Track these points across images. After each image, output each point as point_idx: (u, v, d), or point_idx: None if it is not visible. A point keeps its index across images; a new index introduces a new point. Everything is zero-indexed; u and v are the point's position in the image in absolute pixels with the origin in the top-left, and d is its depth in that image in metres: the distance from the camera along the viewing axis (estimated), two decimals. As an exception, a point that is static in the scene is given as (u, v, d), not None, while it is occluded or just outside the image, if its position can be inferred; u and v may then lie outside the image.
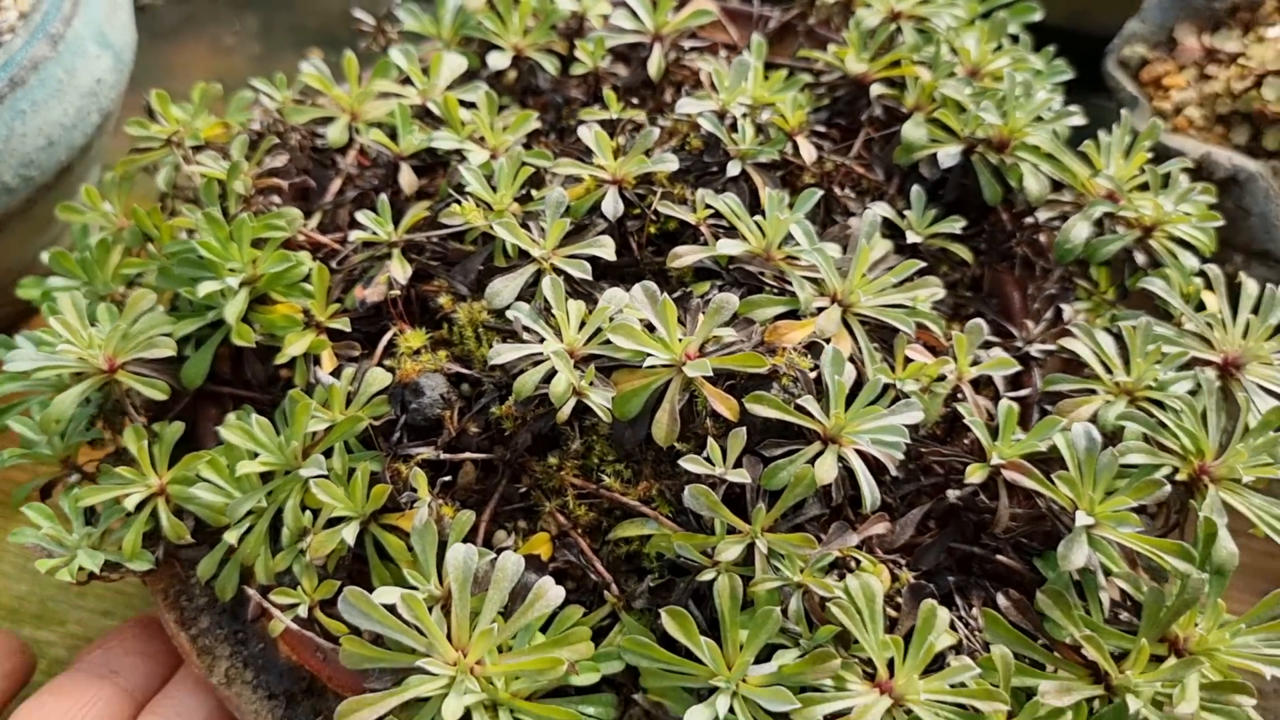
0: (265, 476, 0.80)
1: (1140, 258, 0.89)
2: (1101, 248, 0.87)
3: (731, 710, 0.67)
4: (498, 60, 0.98)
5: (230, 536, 0.78)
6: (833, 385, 0.73)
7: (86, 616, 1.14)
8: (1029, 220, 0.89)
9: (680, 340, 0.76)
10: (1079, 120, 0.93)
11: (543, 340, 0.77)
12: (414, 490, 0.75)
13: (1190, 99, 1.16)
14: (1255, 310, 0.85)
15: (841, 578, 0.70)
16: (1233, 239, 1.11)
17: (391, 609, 0.69)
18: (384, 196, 0.88)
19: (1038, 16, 1.03)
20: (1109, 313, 0.88)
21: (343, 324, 0.84)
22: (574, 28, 1.02)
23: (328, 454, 0.79)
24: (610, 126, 0.92)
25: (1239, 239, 1.10)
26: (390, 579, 0.76)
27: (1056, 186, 0.92)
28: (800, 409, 0.73)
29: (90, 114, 1.14)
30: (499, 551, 0.71)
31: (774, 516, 0.72)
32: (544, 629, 0.72)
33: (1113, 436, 0.78)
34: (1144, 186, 0.90)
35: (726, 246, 0.82)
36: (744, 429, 0.72)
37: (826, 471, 0.71)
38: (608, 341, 0.76)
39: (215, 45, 1.59)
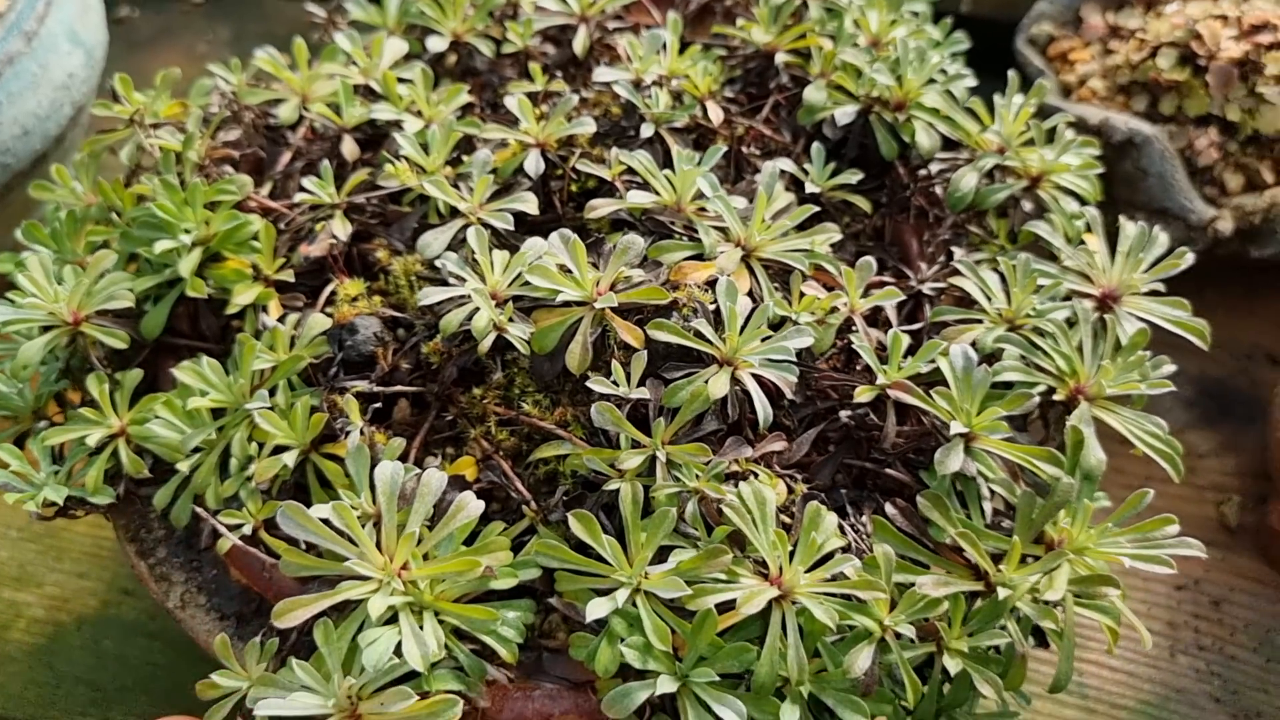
0: (217, 414, 0.87)
1: (1028, 205, 0.96)
2: (990, 195, 0.94)
3: (633, 604, 0.73)
4: (436, 44, 1.06)
5: (183, 467, 0.85)
6: (726, 313, 0.80)
7: (63, 579, 1.21)
8: (923, 173, 0.97)
9: (593, 279, 0.83)
10: (971, 82, 1.01)
11: (466, 283, 0.84)
12: (347, 417, 0.82)
13: (1094, 71, 1.23)
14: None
15: (738, 486, 0.77)
16: (1134, 198, 1.18)
17: (326, 522, 0.75)
18: (327, 163, 0.96)
19: (941, -7, 1.10)
20: (1000, 256, 0.95)
21: (287, 276, 0.92)
22: (509, 13, 1.10)
23: (273, 391, 0.86)
24: (536, 97, 1.00)
25: (1139, 198, 1.17)
26: (328, 501, 0.83)
27: (953, 145, 0.99)
28: (698, 334, 0.80)
29: (63, 106, 1.22)
30: (423, 470, 0.78)
31: (673, 430, 0.79)
32: (469, 543, 0.79)
33: (992, 359, 0.85)
34: (1032, 142, 0.98)
35: (637, 197, 0.89)
36: (646, 354, 0.80)
37: (719, 387, 0.77)
38: (527, 283, 0.84)
39: (189, 54, 1.67)
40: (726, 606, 0.72)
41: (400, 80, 1.02)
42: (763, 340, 0.80)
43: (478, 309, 0.82)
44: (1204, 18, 1.19)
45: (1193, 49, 1.17)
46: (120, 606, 1.18)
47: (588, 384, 0.79)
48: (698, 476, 0.77)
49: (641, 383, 0.80)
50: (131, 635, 1.16)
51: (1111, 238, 0.92)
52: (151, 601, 1.19)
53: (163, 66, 1.67)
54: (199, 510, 0.83)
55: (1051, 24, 1.30)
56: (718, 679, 0.71)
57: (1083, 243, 0.93)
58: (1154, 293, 0.90)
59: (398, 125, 0.98)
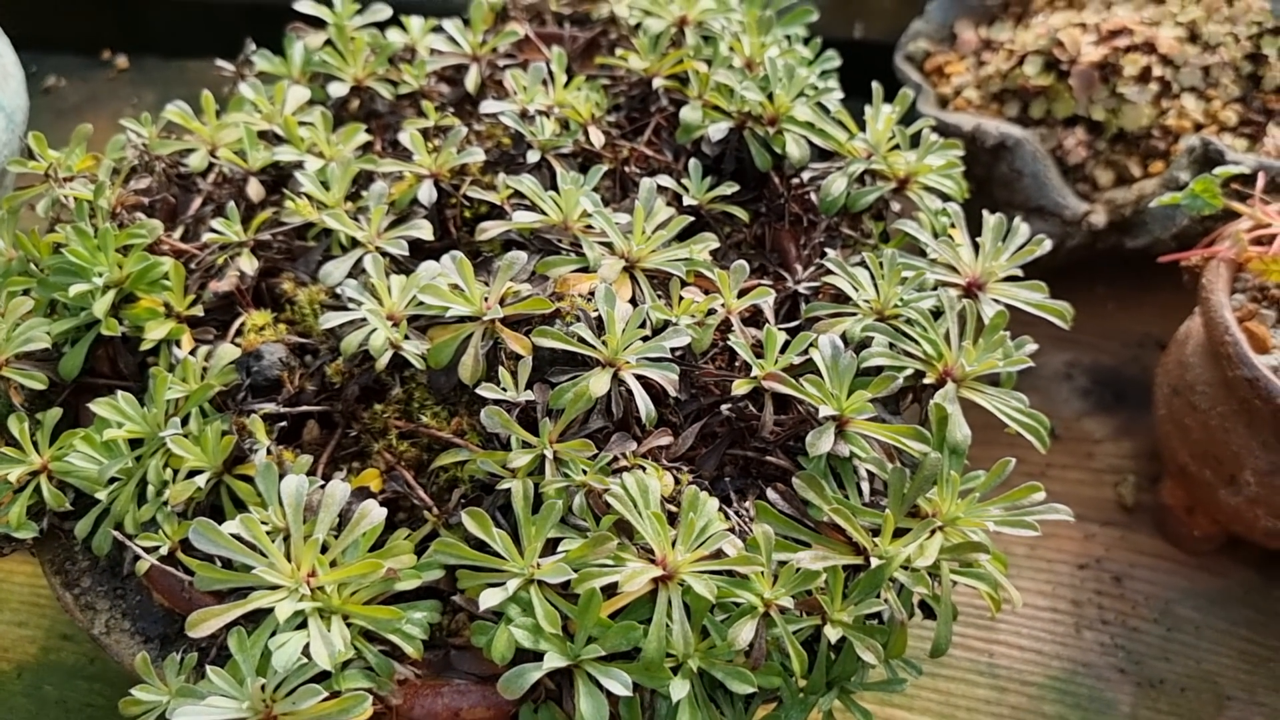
0: (134, 445, 0.91)
1: (897, 206, 1.02)
2: (860, 198, 1.00)
3: (526, 591, 0.78)
4: (337, 89, 1.12)
5: (102, 496, 0.88)
6: (606, 317, 0.85)
7: (2, 628, 1.23)
8: (796, 181, 1.03)
9: (482, 294, 0.88)
10: (839, 94, 1.07)
11: (365, 305, 0.89)
12: (255, 438, 0.86)
13: (968, 81, 1.30)
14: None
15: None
16: (1012, 199, 1.25)
17: (236, 536, 0.79)
18: (233, 204, 1.01)
19: (814, 17, 1.17)
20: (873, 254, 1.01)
21: (198, 312, 0.96)
22: (407, 57, 1.16)
23: (186, 420, 0.90)
24: (429, 132, 1.06)
25: (1017, 199, 1.24)
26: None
27: (826, 155, 1.06)
28: (580, 339, 0.85)
29: (-15, 169, 1.26)
30: (327, 482, 0.83)
31: (560, 429, 0.83)
32: (376, 549, 0.83)
33: (863, 347, 0.90)
34: (898, 147, 1.04)
35: (523, 217, 0.94)
36: (531, 361, 0.85)
37: (599, 386, 0.82)
38: (421, 303, 0.88)
39: (115, 119, 1.71)
40: (610, 586, 0.76)
41: (302, 124, 1.07)
42: (643, 341, 0.86)
43: (374, 329, 0.87)
44: (1065, 26, 1.27)
45: (1056, 55, 1.24)
46: (60, 652, 1.21)
47: (479, 390, 0.84)
48: (584, 471, 0.81)
49: (529, 387, 0.85)
50: (71, 679, 1.18)
51: (979, 231, 0.99)
52: (90, 644, 1.22)
53: (91, 133, 1.71)
54: (117, 535, 0.87)
55: (927, 41, 1.37)
56: (606, 655, 0.75)
57: (949, 237, 0.99)
58: (1013, 278, 0.96)
59: (300, 165, 1.03)
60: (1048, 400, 1.31)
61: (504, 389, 0.84)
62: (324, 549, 0.80)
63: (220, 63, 1.22)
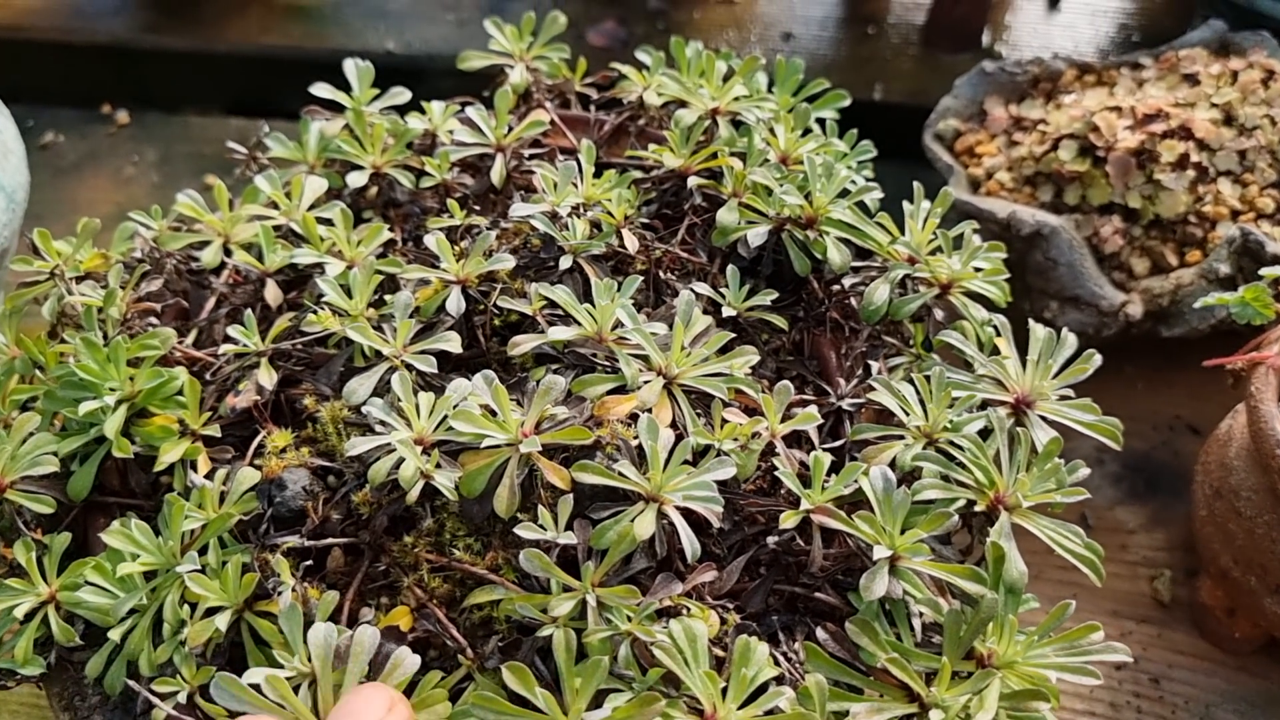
0: (149, 576, 0.87)
1: (939, 313, 0.99)
2: (903, 306, 0.97)
3: (572, 753, 0.74)
4: (356, 179, 1.08)
5: (114, 634, 0.84)
6: (649, 450, 0.82)
7: (3, 732, 1.19)
8: (837, 287, 0.99)
9: (517, 420, 0.84)
10: (878, 194, 1.04)
11: (392, 430, 0.85)
12: (276, 575, 0.82)
13: (1000, 164, 1.27)
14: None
15: (669, 624, 0.78)
16: (1046, 288, 1.22)
17: (258, 688, 0.75)
18: (249, 311, 0.96)
19: (847, 102, 1.13)
20: (918, 365, 0.98)
21: (214, 430, 0.92)
22: (427, 145, 1.12)
23: (204, 550, 0.86)
24: (455, 232, 1.02)
25: (1052, 287, 1.21)
26: (265, 661, 0.83)
27: (865, 254, 1.02)
28: (621, 474, 0.81)
29: (-15, 254, 1.22)
30: (358, 627, 0.78)
31: (602, 573, 0.79)
32: (408, 694, 0.79)
33: (913, 476, 0.87)
34: (940, 250, 1.01)
35: (557, 333, 0.90)
36: (571, 496, 0.81)
37: (645, 527, 0.79)
38: (451, 428, 0.85)
39: (116, 177, 1.67)
40: (664, 752, 0.73)
41: (320, 220, 1.03)
42: (687, 475, 0.82)
43: (404, 459, 0.83)
44: (1100, 109, 1.24)
45: (1091, 140, 1.21)
46: (62, 756, 1.16)
47: (516, 530, 0.80)
48: (629, 618, 0.78)
49: (570, 524, 0.81)
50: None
51: (1024, 337, 0.95)
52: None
53: (89, 192, 1.67)
54: (130, 683, 0.82)
55: (957, 119, 1.34)
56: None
57: (995, 350, 0.96)
58: (1064, 397, 0.93)
59: (319, 268, 0.99)
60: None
61: (543, 528, 0.80)
62: (354, 700, 0.76)
63: (232, 144, 1.18)
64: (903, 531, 0.82)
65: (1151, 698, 1.14)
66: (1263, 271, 1.05)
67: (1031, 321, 0.96)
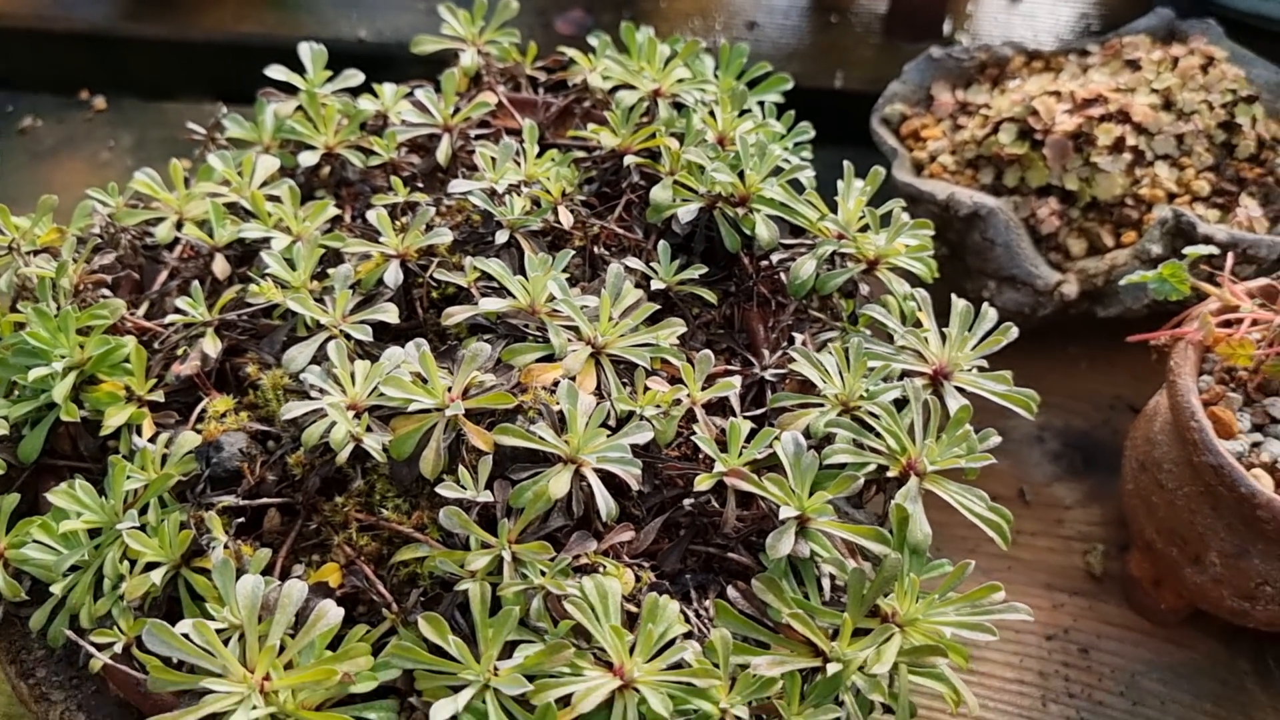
0: (93, 534, 0.90)
1: (865, 288, 1.02)
2: (829, 281, 1.00)
3: (482, 700, 0.77)
4: (308, 158, 1.11)
5: (57, 589, 0.88)
6: (568, 414, 0.85)
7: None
8: (766, 263, 1.02)
9: (445, 386, 0.88)
10: (810, 172, 1.07)
11: (326, 395, 0.88)
12: (209, 531, 0.86)
13: (944, 147, 1.30)
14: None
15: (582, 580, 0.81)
16: (984, 267, 1.24)
17: (189, 637, 0.79)
18: (196, 283, 1.00)
19: (788, 86, 1.16)
20: (844, 338, 1.01)
21: (159, 396, 0.95)
22: (379, 126, 1.15)
23: (144, 510, 0.90)
24: (396, 209, 1.05)
25: (989, 267, 1.24)
26: (199, 614, 0.86)
27: (799, 232, 1.05)
28: (540, 436, 0.84)
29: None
30: (285, 582, 0.82)
31: (519, 530, 0.83)
32: (333, 647, 0.82)
33: (829, 441, 0.90)
34: (868, 228, 1.04)
35: (489, 304, 0.94)
36: (493, 458, 0.84)
37: (559, 486, 0.82)
38: (383, 394, 0.88)
39: (92, 161, 1.71)
40: (566, 696, 0.76)
41: (270, 198, 1.07)
42: (606, 436, 0.85)
43: (335, 422, 0.86)
44: (1040, 94, 1.27)
45: (1030, 124, 1.24)
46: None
47: (438, 489, 0.84)
48: (543, 573, 0.81)
49: (490, 484, 0.85)
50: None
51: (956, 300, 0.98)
52: None
53: (66, 175, 1.70)
54: (68, 633, 0.86)
55: (904, 103, 1.37)
56: (563, 766, 0.75)
57: (918, 322, 0.99)
58: (983, 369, 0.96)
59: (266, 242, 1.03)
60: (1019, 464, 1.31)
61: (464, 487, 0.84)
62: (280, 649, 0.79)
63: (191, 124, 1.21)
64: (812, 494, 0.85)
65: (1080, 667, 1.17)
66: (1185, 250, 1.08)
67: (954, 296, 0.99)
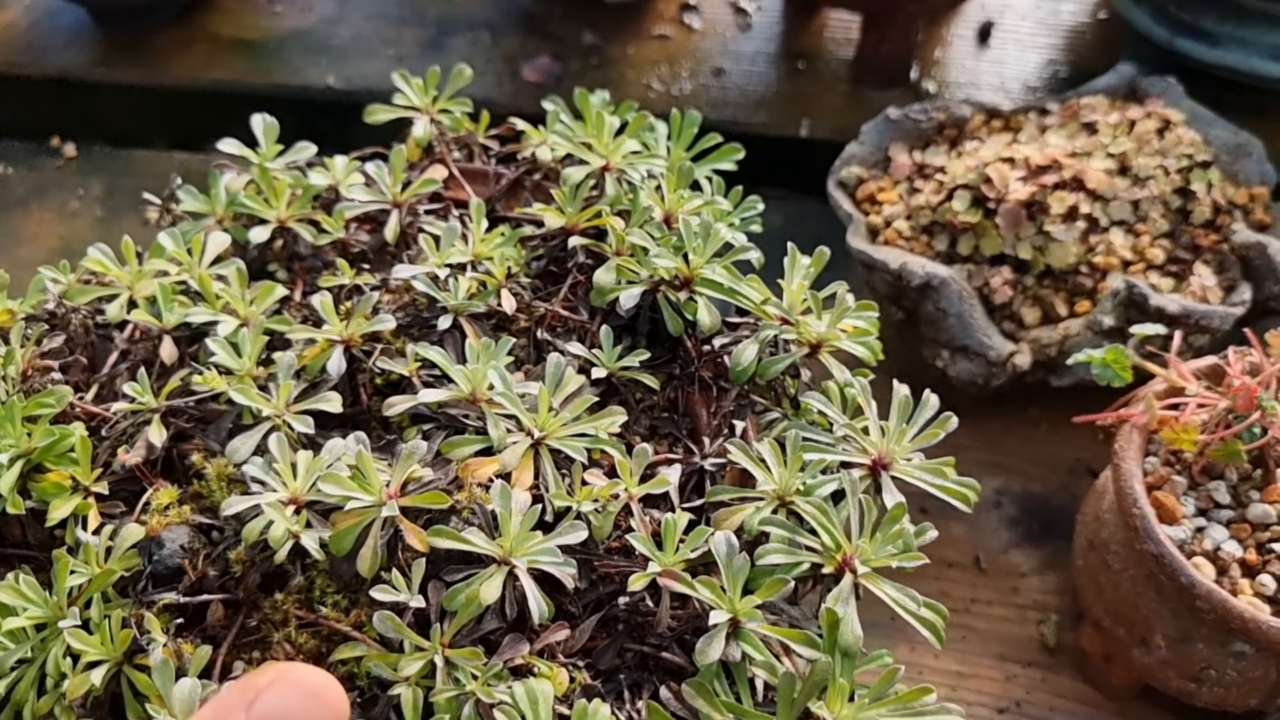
0: (40, 628, 0.91)
1: (806, 373, 1.02)
2: (771, 367, 1.01)
3: (410, 810, 0.78)
4: (259, 234, 1.12)
5: (1, 686, 0.88)
6: (500, 515, 0.86)
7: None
8: (708, 347, 1.03)
9: (383, 482, 0.88)
10: (755, 255, 1.07)
11: (266, 490, 0.89)
12: (148, 632, 0.87)
13: (899, 212, 1.31)
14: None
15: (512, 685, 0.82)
16: (938, 337, 1.25)
17: (122, 746, 0.80)
18: (143, 369, 1.01)
19: (740, 155, 1.17)
20: (786, 424, 1.01)
21: (103, 487, 0.96)
22: (331, 198, 1.16)
23: (88, 604, 0.90)
24: (343, 291, 1.06)
25: (943, 337, 1.24)
26: (141, 714, 0.87)
27: (744, 313, 1.06)
28: (471, 540, 0.85)
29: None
30: (226, 682, 0.83)
31: (452, 633, 0.84)
32: (269, 748, 0.83)
33: (764, 538, 0.90)
34: (810, 311, 1.04)
35: (429, 394, 0.94)
36: (424, 559, 0.85)
37: (491, 591, 0.83)
38: (320, 490, 0.89)
39: (62, 211, 1.72)
40: (496, 810, 0.77)
41: (218, 278, 1.07)
42: (538, 540, 0.86)
43: (272, 520, 0.87)
44: (994, 159, 1.27)
45: (984, 191, 1.24)
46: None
47: (372, 592, 0.84)
48: (474, 678, 0.82)
49: (425, 585, 0.85)
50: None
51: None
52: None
53: (35, 225, 1.71)
54: (8, 734, 0.87)
55: (861, 165, 1.37)
56: None
57: (860, 409, 0.99)
58: (921, 458, 0.96)
59: (214, 325, 1.03)
60: (976, 530, 1.32)
61: (398, 590, 0.84)
62: (215, 754, 0.80)
63: (146, 196, 1.22)
64: (744, 595, 0.86)
65: (1031, 739, 1.18)
66: (1133, 329, 1.08)
67: (895, 382, 1.00)
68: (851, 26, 1.77)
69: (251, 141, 1.19)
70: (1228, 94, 1.55)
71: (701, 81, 1.74)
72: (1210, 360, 1.09)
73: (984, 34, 1.76)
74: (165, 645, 0.87)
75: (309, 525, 0.89)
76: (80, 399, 1.02)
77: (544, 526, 0.88)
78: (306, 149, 1.18)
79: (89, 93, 1.87)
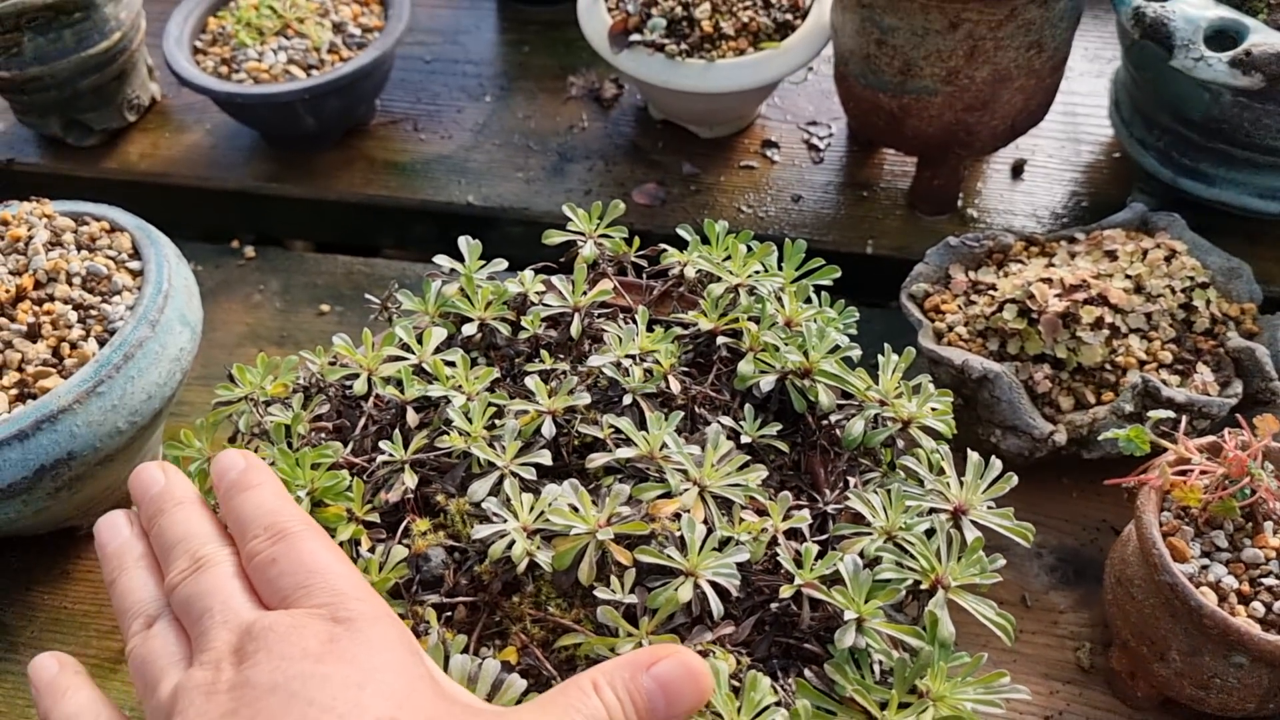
0: (326, 623, 1.21)
1: (901, 442, 1.34)
2: (874, 437, 1.32)
3: (630, 745, 1.07)
4: (468, 329, 1.44)
5: (306, 663, 1.18)
6: (688, 539, 1.17)
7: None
8: (825, 422, 1.34)
9: (594, 516, 1.19)
10: (857, 350, 1.39)
11: (505, 521, 1.20)
12: (427, 622, 1.17)
13: (959, 320, 1.63)
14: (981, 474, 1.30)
15: (700, 662, 1.12)
16: (992, 419, 1.56)
17: (416, 699, 1.09)
18: (397, 430, 1.32)
19: (837, 275, 1.49)
20: (885, 481, 1.32)
21: (374, 518, 1.27)
22: (520, 302, 1.49)
23: (368, 605, 1.21)
24: (546, 374, 1.38)
25: (996, 418, 1.56)
26: (412, 685, 1.17)
27: (848, 396, 1.38)
28: (669, 555, 1.16)
29: (176, 374, 1.59)
30: (483, 659, 1.13)
31: (654, 624, 1.14)
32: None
33: (877, 561, 1.21)
34: (902, 395, 1.36)
35: (622, 452, 1.26)
36: (633, 570, 1.16)
37: (685, 593, 1.13)
38: (548, 520, 1.20)
39: (246, 302, 2.05)
40: (696, 748, 1.06)
41: (446, 362, 1.40)
42: (715, 557, 1.17)
43: (514, 541, 1.18)
44: (1036, 279, 1.60)
45: (1028, 305, 1.57)
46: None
47: (595, 592, 1.15)
48: (673, 657, 1.12)
49: (632, 590, 1.16)
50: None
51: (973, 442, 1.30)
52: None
53: (224, 314, 2.05)
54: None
55: (926, 282, 1.71)
56: (692, 797, 1.05)
57: (943, 470, 1.31)
58: (992, 507, 1.27)
59: (446, 399, 1.35)
60: (1021, 575, 1.61)
61: (613, 591, 1.15)
62: (481, 710, 1.10)
63: (369, 296, 1.55)
64: (866, 601, 1.16)
65: (1072, 743, 1.46)
66: (1149, 414, 1.40)
67: (969, 450, 1.31)
68: (906, 161, 2.11)
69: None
70: (1226, 222, 1.88)
71: (782, 205, 2.06)
72: (1210, 439, 1.40)
73: (1017, 170, 2.09)
74: (438, 631, 1.17)
75: (539, 548, 1.19)
76: (343, 454, 1.34)
77: (716, 551, 1.19)
78: (500, 263, 1.52)
79: (264, 203, 2.19)
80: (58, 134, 2.23)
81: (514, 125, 2.27)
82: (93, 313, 1.56)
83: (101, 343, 1.55)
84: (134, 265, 1.64)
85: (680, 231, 1.57)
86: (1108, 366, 1.56)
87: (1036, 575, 1.62)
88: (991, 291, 1.63)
